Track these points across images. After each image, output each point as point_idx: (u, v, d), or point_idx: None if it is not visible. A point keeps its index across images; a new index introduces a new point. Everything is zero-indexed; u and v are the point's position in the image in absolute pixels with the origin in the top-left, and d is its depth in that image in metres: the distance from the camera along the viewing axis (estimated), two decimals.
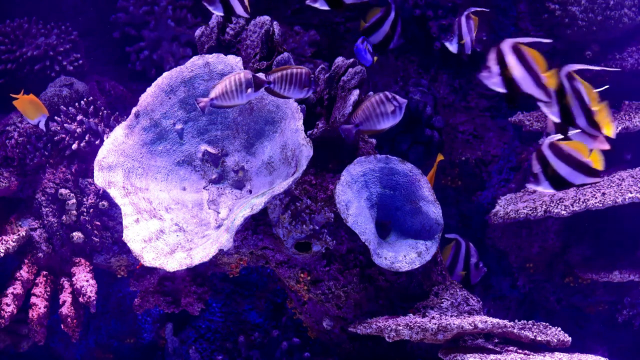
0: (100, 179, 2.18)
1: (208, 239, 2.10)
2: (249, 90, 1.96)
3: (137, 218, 2.13)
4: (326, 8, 1.99)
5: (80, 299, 2.41)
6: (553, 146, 1.74)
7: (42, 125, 2.39)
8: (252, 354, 2.51)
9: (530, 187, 1.82)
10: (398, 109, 2.05)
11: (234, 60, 2.27)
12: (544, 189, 1.80)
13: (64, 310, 2.42)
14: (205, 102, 1.97)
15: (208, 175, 2.31)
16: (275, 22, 2.35)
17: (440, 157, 2.56)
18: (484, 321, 1.98)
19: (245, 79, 1.95)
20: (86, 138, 2.51)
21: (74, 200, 2.48)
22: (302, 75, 1.97)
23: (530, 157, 2.94)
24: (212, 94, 1.97)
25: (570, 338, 2.14)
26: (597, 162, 1.76)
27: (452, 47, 2.24)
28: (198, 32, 2.41)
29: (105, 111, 2.59)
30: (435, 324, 2.01)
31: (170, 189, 2.27)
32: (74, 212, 2.49)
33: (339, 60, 2.29)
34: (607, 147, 1.83)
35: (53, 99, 2.62)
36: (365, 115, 2.05)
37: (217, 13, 2.01)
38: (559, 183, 1.77)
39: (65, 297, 2.45)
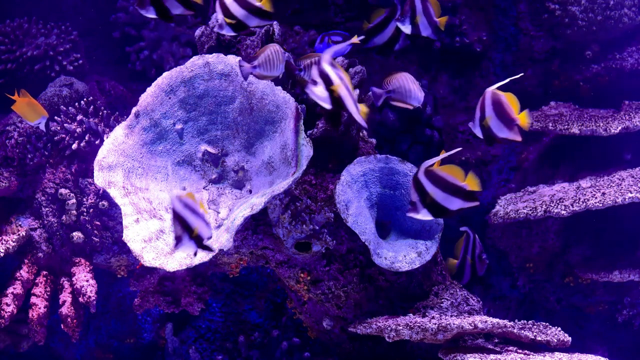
0: (100, 179, 2.18)
1: None
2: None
3: (137, 218, 2.13)
4: (153, 15, 1.94)
5: (80, 299, 2.41)
6: (428, 172, 1.72)
7: (42, 127, 2.39)
8: (252, 354, 2.51)
9: (410, 215, 1.79)
10: (425, 88, 2.01)
11: (234, 60, 2.27)
12: (424, 217, 1.78)
13: (64, 310, 2.42)
14: (247, 67, 1.93)
15: (208, 175, 2.31)
16: (275, 22, 2.35)
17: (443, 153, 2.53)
18: (484, 321, 1.98)
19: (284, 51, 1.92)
20: (86, 138, 2.51)
21: (74, 200, 2.48)
22: None
23: (529, 157, 2.94)
24: (256, 62, 1.92)
25: (570, 338, 2.14)
26: (473, 184, 1.74)
27: (406, 28, 2.18)
28: (198, 32, 2.41)
29: (105, 111, 2.59)
30: (435, 324, 2.01)
31: (170, 189, 2.27)
32: (74, 212, 2.49)
33: (339, 60, 2.30)
34: (519, 139, 1.81)
35: (53, 99, 2.62)
36: (399, 84, 1.97)
37: (150, 16, 1.96)
38: (437, 210, 1.75)
39: (65, 297, 2.45)
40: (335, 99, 1.68)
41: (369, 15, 2.26)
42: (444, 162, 1.81)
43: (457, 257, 2.43)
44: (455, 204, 1.73)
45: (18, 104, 2.35)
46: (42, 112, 2.37)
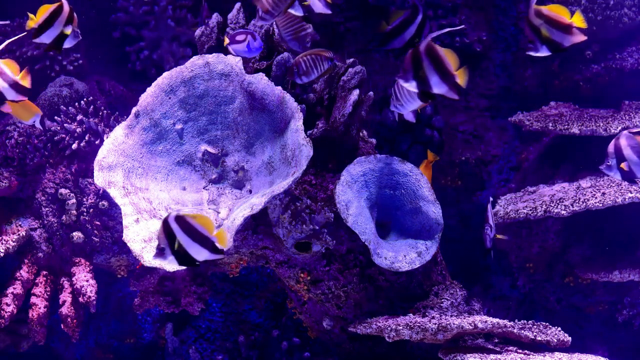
0: (100, 178, 2.18)
1: None
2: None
3: (137, 218, 2.13)
4: None
5: (80, 299, 2.41)
6: (179, 219, 1.72)
7: (37, 124, 2.35)
8: (252, 354, 2.51)
9: (157, 261, 1.79)
10: None
11: (234, 60, 2.27)
12: (170, 264, 1.77)
13: (64, 310, 2.42)
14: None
15: (208, 175, 2.31)
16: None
17: (432, 158, 2.51)
18: (484, 321, 1.98)
19: None
20: (86, 138, 2.51)
21: (74, 200, 2.48)
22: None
23: (528, 157, 2.94)
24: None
25: (570, 338, 2.14)
26: (221, 240, 1.76)
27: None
28: (198, 32, 2.41)
29: (105, 111, 2.59)
30: (435, 323, 2.01)
31: (170, 189, 2.27)
32: (74, 212, 2.49)
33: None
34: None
35: (53, 99, 2.62)
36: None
37: None
38: (184, 258, 1.75)
39: (65, 297, 2.45)
40: None
41: (387, 16, 2.23)
42: None
43: None
44: (202, 254, 1.75)
45: (9, 104, 2.31)
46: (35, 110, 2.33)
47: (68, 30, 1.94)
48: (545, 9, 1.83)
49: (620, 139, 1.90)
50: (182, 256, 1.74)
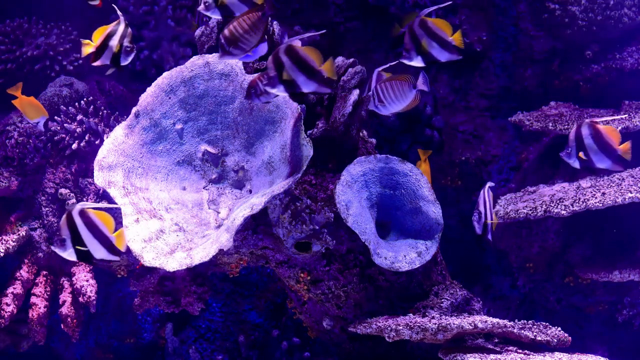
0: (100, 178, 2.18)
1: (208, 238, 2.10)
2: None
3: (137, 218, 2.13)
4: None
5: (80, 299, 2.41)
6: (83, 214, 1.75)
7: (40, 126, 2.37)
8: (252, 354, 2.51)
9: (55, 250, 1.80)
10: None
11: (234, 60, 2.27)
12: (69, 257, 1.80)
13: (64, 310, 2.42)
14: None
15: (208, 175, 2.31)
16: (275, 22, 2.35)
17: (423, 154, 2.49)
18: (484, 321, 1.98)
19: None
20: (86, 138, 2.51)
21: (74, 200, 2.49)
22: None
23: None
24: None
25: (570, 338, 2.14)
26: (120, 241, 1.80)
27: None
28: (198, 32, 2.41)
29: (105, 111, 2.59)
30: (435, 323, 2.01)
31: (170, 189, 2.27)
32: None
33: (339, 60, 2.29)
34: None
35: (53, 99, 2.62)
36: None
37: None
38: (83, 254, 1.78)
39: (65, 297, 2.45)
40: None
41: (400, 20, 2.23)
42: None
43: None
44: (100, 253, 1.78)
45: (20, 100, 2.34)
46: (43, 112, 2.35)
47: (117, 46, 1.94)
48: (431, 22, 1.86)
49: (581, 127, 1.91)
50: (81, 252, 1.76)
